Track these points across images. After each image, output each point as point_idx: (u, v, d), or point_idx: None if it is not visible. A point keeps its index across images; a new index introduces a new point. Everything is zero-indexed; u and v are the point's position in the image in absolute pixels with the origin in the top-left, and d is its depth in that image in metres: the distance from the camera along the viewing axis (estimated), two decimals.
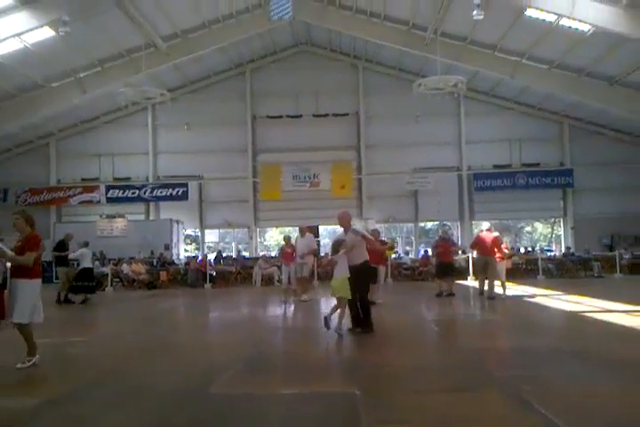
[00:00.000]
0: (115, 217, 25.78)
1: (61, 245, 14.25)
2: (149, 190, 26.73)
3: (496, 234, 13.24)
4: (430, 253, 19.73)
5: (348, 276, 7.93)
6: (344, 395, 4.81)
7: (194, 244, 30.25)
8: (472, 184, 26.32)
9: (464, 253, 20.96)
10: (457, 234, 26.58)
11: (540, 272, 19.84)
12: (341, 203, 25.06)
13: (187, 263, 22.17)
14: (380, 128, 26.51)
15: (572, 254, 23.02)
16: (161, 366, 6.32)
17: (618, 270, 20.32)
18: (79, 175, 27.35)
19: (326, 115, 26.69)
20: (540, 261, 20.32)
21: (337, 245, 8.07)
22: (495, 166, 26.42)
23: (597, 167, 25.49)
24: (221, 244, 29.70)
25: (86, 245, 14.45)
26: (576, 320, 9.48)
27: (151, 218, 27.38)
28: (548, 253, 24.82)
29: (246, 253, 26.80)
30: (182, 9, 20.98)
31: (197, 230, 28.61)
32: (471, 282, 18.07)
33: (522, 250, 25.05)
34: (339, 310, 7.98)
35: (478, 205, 26.64)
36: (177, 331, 9.82)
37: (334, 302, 8.12)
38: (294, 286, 13.16)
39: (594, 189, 25.59)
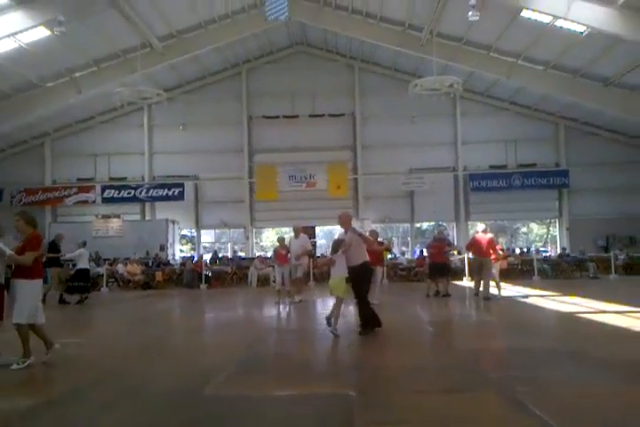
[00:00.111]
0: (110, 217, 25.74)
1: (52, 246, 14.19)
2: (145, 190, 26.67)
3: (490, 235, 13.29)
4: (425, 253, 19.74)
5: (346, 276, 7.95)
6: (339, 396, 4.80)
7: (190, 244, 30.20)
8: (468, 185, 26.36)
9: (459, 253, 20.99)
10: (453, 234, 26.62)
11: (536, 273, 19.86)
12: (337, 203, 25.11)
13: (182, 264, 22.12)
14: (375, 128, 26.53)
15: (568, 255, 23.06)
16: (156, 367, 6.30)
17: (613, 271, 20.36)
18: (74, 175, 27.29)
19: (322, 115, 26.70)
20: (535, 262, 20.33)
21: (337, 245, 8.07)
22: (491, 167, 26.46)
23: (593, 168, 25.56)
24: (217, 244, 29.67)
25: (84, 245, 14.41)
26: (571, 321, 9.48)
27: (147, 218, 27.32)
28: (544, 254, 24.86)
29: (242, 254, 26.77)
30: (178, 9, 20.95)
31: (193, 231, 28.59)
32: (467, 283, 18.09)
33: (517, 251, 25.12)
34: (335, 310, 7.97)
35: (474, 205, 26.68)
36: (172, 332, 9.79)
37: (332, 301, 8.10)
38: (288, 287, 13.12)
39: (589, 189, 25.67)
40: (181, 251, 28.44)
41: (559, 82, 21.93)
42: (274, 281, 17.94)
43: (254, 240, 28.60)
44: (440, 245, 14.13)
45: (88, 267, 14.74)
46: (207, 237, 29.56)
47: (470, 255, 15.33)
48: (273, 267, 15.76)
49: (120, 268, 20.47)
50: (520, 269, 21.31)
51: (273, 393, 4.99)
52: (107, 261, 21.23)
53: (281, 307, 12.57)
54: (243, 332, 9.23)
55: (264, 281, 19.88)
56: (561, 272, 21.19)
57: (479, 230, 13.42)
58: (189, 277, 20.39)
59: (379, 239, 12.92)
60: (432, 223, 28.00)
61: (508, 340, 7.70)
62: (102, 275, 19.45)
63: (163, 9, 20.57)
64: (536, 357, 6.37)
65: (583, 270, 21.33)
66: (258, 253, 25.81)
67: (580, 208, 25.87)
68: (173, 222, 25.91)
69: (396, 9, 21.48)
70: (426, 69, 22.82)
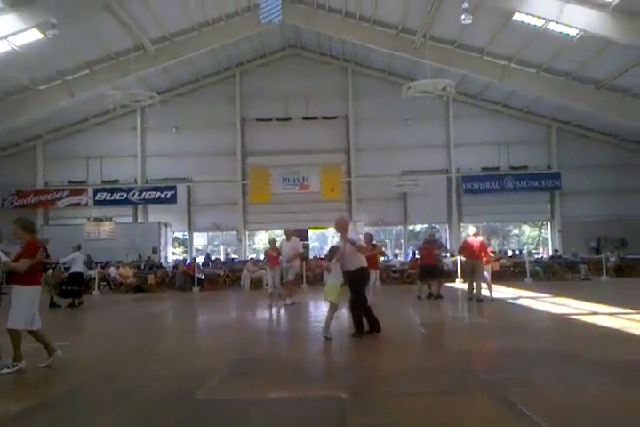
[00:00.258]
0: (102, 220, 25.62)
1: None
2: (137, 193, 26.61)
3: (481, 238, 13.44)
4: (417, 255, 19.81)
5: (341, 282, 8.02)
6: (331, 398, 4.78)
7: (182, 247, 30.11)
8: (461, 187, 26.46)
9: (452, 255, 21.04)
10: (445, 236, 26.68)
11: (528, 275, 19.92)
12: (331, 206, 25.19)
13: (175, 266, 22.06)
14: (369, 131, 26.58)
15: (560, 257, 23.16)
16: (148, 370, 6.27)
17: (604, 273, 20.44)
18: (67, 178, 27.19)
19: (316, 118, 26.73)
20: (527, 264, 20.40)
21: (332, 252, 8.14)
22: (483, 169, 26.56)
23: (584, 170, 25.71)
24: (210, 247, 29.60)
25: (79, 248, 14.30)
26: (563, 323, 9.51)
27: (139, 221, 27.26)
28: (536, 256, 24.95)
29: (235, 256, 26.72)
30: (171, 12, 20.96)
31: (186, 233, 28.51)
32: (459, 284, 18.12)
33: (509, 253, 25.20)
34: (333, 314, 8.00)
35: (467, 207, 26.77)
36: (164, 335, 9.75)
37: (325, 304, 8.11)
38: (279, 290, 13.08)
39: (581, 191, 25.81)
40: (174, 254, 28.36)
41: (551, 85, 22.07)
42: (267, 284, 17.95)
43: (247, 243, 28.57)
44: (430, 247, 14.25)
45: (82, 271, 14.65)
46: (200, 239, 29.51)
47: (462, 258, 15.42)
48: (266, 269, 15.75)
49: (112, 271, 20.39)
50: (512, 271, 21.38)
51: (266, 396, 4.97)
52: (99, 265, 21.13)
53: (273, 309, 12.54)
54: (235, 334, 9.20)
55: (257, 284, 19.85)
56: (553, 274, 21.27)
57: (470, 233, 13.61)
58: (182, 279, 20.33)
59: (372, 242, 12.93)
60: (425, 226, 28.04)
61: (500, 341, 7.72)
62: (94, 278, 19.34)
63: (156, 12, 20.55)
64: (528, 358, 6.38)
65: (575, 272, 21.42)
66: (251, 256, 25.73)
67: (572, 210, 26.00)
68: (166, 225, 25.84)
69: (390, 12, 21.56)
70: (419, 72, 22.91)
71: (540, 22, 18.65)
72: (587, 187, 25.71)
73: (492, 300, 12.92)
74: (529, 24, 18.97)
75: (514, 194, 25.97)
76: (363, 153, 26.71)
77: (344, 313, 9.17)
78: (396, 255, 26.42)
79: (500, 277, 18.86)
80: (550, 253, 25.18)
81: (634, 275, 21.24)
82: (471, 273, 13.18)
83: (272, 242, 13.64)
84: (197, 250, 28.71)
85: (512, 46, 20.89)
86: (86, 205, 26.67)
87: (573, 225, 25.58)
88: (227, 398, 4.89)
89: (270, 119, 26.87)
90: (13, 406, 4.82)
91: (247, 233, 28.29)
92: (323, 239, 32.58)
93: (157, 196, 26.53)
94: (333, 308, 7.97)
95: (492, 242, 28.83)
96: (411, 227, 28.63)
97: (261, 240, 34.15)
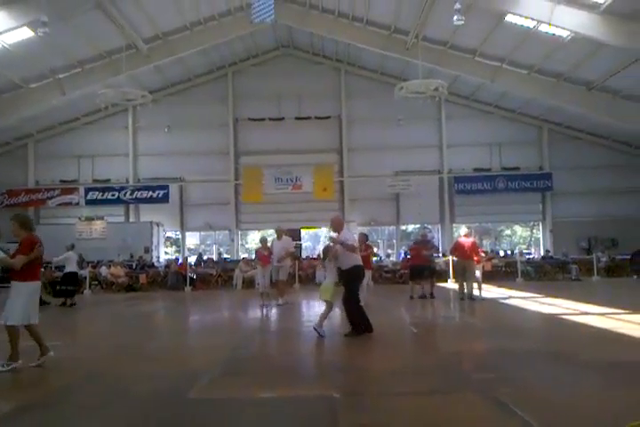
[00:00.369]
0: (94, 219, 25.48)
1: None
2: (129, 192, 26.50)
3: (472, 239, 13.58)
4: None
5: (335, 281, 8.12)
6: (323, 398, 4.79)
7: (174, 246, 30.03)
8: (453, 187, 26.53)
9: (445, 255, 21.09)
10: (438, 237, 26.74)
11: (519, 275, 20.02)
12: (323, 206, 25.20)
13: (167, 266, 22.00)
14: (361, 131, 26.62)
15: (551, 257, 23.29)
16: (138, 370, 6.25)
17: (595, 273, 20.57)
18: (58, 177, 27.03)
19: (308, 118, 26.72)
20: (519, 264, 20.50)
21: (326, 252, 8.35)
22: (475, 170, 26.64)
23: (575, 171, 25.84)
24: (202, 246, 29.52)
25: (72, 248, 14.24)
26: (554, 323, 9.57)
27: (131, 220, 27.15)
28: (527, 256, 25.07)
29: (227, 256, 26.67)
30: (164, 11, 20.88)
31: (178, 233, 28.42)
32: (451, 284, 18.17)
33: (501, 253, 25.30)
34: (328, 312, 8.12)
35: (459, 208, 26.85)
36: (155, 334, 9.73)
37: (316, 304, 8.14)
38: (268, 290, 13.04)
39: (572, 192, 25.93)
40: (166, 253, 28.27)
41: (543, 86, 22.16)
42: (258, 283, 17.93)
43: (240, 242, 28.52)
44: (419, 247, 14.34)
45: (76, 270, 14.58)
46: (192, 239, 29.43)
47: (454, 258, 15.51)
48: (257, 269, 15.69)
49: (103, 270, 20.32)
50: (504, 271, 21.48)
51: (257, 395, 4.97)
52: (90, 264, 21.02)
53: (265, 309, 12.53)
54: (227, 334, 9.20)
55: (249, 283, 19.80)
56: (544, 274, 21.38)
57: (462, 234, 13.73)
58: (174, 279, 20.28)
59: (367, 242, 12.98)
60: (417, 226, 28.09)
61: (491, 341, 7.75)
62: (85, 277, 19.25)
63: (148, 11, 20.47)
64: (519, 358, 6.41)
65: (566, 272, 21.54)
66: (243, 256, 25.70)
67: (563, 211, 26.14)
68: (158, 225, 25.76)
69: (383, 13, 21.59)
70: (411, 73, 22.97)
71: (531, 24, 18.74)
72: (578, 188, 25.85)
73: (483, 299, 13.12)
74: (521, 25, 19.06)
75: (506, 195, 26.07)
76: (355, 153, 26.74)
77: (337, 313, 9.17)
78: (388, 255, 26.45)
79: (491, 277, 18.97)
80: (541, 254, 25.31)
81: (624, 275, 21.41)
82: (463, 273, 13.32)
83: (263, 241, 13.64)
84: (190, 249, 28.64)
85: (504, 47, 20.97)
86: (78, 204, 26.53)
87: (565, 225, 25.72)
88: (219, 398, 4.89)
89: (263, 119, 26.84)
90: (3, 406, 4.80)
91: (240, 233, 28.25)
92: (315, 239, 32.60)
93: (149, 195, 26.44)
94: (329, 306, 8.07)
95: (484, 242, 28.95)
96: (403, 227, 28.68)
97: (254, 240, 34.05)
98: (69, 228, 24.52)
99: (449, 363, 6.28)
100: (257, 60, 27.44)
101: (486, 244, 29.03)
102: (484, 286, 13.71)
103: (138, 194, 26.48)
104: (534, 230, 29.32)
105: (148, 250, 24.25)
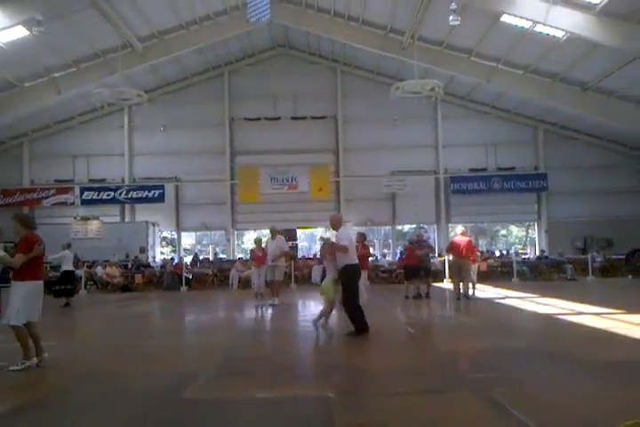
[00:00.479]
0: (89, 219, 25.38)
1: None
2: (125, 192, 26.43)
3: (468, 238, 13.67)
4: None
5: (335, 278, 8.20)
6: (319, 398, 4.79)
7: (170, 246, 29.97)
8: (449, 187, 26.55)
9: (440, 255, 21.12)
10: (434, 237, 26.78)
11: (515, 275, 20.06)
12: (319, 206, 25.22)
13: (162, 266, 21.95)
14: (357, 131, 26.63)
15: (546, 257, 23.34)
16: (134, 370, 6.24)
17: (590, 273, 20.63)
18: (53, 176, 26.93)
19: (304, 117, 26.72)
20: (514, 264, 20.54)
21: (323, 248, 8.69)
22: (471, 170, 26.67)
23: (571, 171, 25.91)
24: (198, 246, 29.48)
25: (68, 247, 14.21)
26: (550, 322, 9.60)
27: (127, 220, 27.08)
28: (523, 256, 25.13)
29: (223, 256, 26.63)
30: (159, 10, 20.82)
31: (174, 233, 28.37)
32: (447, 284, 18.19)
33: (497, 253, 25.33)
34: (334, 309, 8.41)
35: (455, 208, 26.89)
36: (151, 335, 9.70)
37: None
38: (263, 290, 13.00)
39: (567, 192, 26.00)
40: (162, 253, 28.21)
41: (538, 86, 22.21)
42: (254, 283, 17.90)
43: (236, 242, 28.49)
44: (413, 247, 14.41)
45: (73, 269, 14.56)
46: (188, 239, 29.37)
47: (450, 258, 15.56)
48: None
49: (99, 270, 20.26)
50: (500, 271, 21.52)
51: (253, 396, 4.97)
52: (85, 264, 20.96)
53: (261, 309, 12.49)
54: (223, 334, 9.18)
55: (245, 283, 19.77)
56: (539, 274, 21.43)
57: (458, 233, 13.83)
58: (169, 279, 20.23)
59: (364, 242, 13.00)
60: (413, 226, 28.12)
61: (486, 341, 7.76)
62: (81, 277, 19.20)
63: (143, 9, 20.42)
64: (514, 358, 6.43)
65: (561, 272, 21.59)
66: (239, 256, 25.67)
67: (559, 211, 26.20)
68: (154, 224, 25.70)
69: (379, 12, 21.59)
70: (407, 73, 22.96)
71: (527, 24, 18.78)
72: (573, 188, 25.92)
73: (472, 298, 13.29)
74: (516, 26, 19.10)
75: (501, 195, 26.12)
76: (351, 153, 26.74)
77: (334, 313, 9.16)
78: (384, 255, 26.47)
79: (487, 276, 19.03)
80: (537, 254, 25.36)
81: (619, 275, 21.48)
82: (458, 272, 13.36)
83: (257, 241, 13.62)
84: (186, 250, 28.59)
85: (499, 48, 21.01)
86: (73, 203, 26.45)
87: (560, 226, 25.80)
88: (215, 398, 4.88)
89: (259, 119, 26.82)
90: (0, 406, 4.79)
91: (236, 233, 28.21)
92: (311, 239, 32.56)
93: (145, 195, 26.37)
94: (329, 303, 8.24)
95: (480, 242, 28.97)
96: (399, 227, 28.69)
97: (250, 240, 34.05)
98: (65, 228, 24.41)
99: (445, 363, 6.29)
100: (253, 59, 27.41)
101: (482, 244, 29.05)
102: (479, 285, 13.80)
103: (133, 194, 26.41)
104: (530, 230, 29.38)
105: (143, 250, 24.18)
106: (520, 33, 19.35)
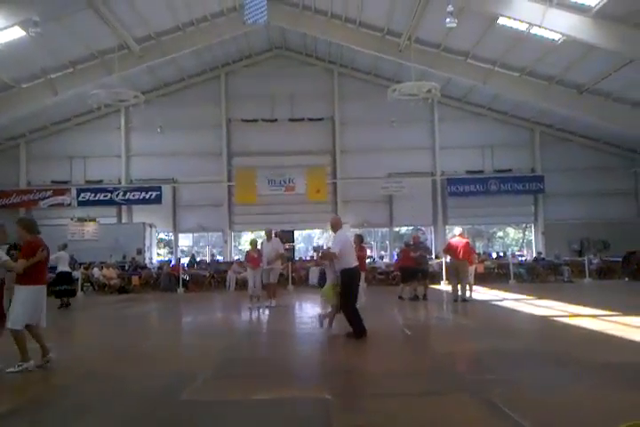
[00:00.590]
0: (86, 220, 25.29)
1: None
2: (122, 193, 26.38)
3: (466, 240, 13.71)
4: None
5: (334, 283, 8.26)
6: (316, 400, 4.79)
7: (167, 248, 29.93)
8: (446, 189, 26.58)
9: (437, 257, 21.13)
10: (431, 239, 26.80)
11: (512, 277, 20.08)
12: (316, 207, 25.24)
13: (159, 267, 21.90)
14: (354, 133, 26.64)
15: (543, 259, 23.36)
16: (131, 371, 6.23)
17: (587, 275, 20.66)
18: (49, 178, 26.85)
19: (301, 119, 26.72)
20: (511, 266, 20.56)
21: (319, 256, 8.71)
22: (468, 172, 26.72)
23: (567, 173, 25.97)
24: (195, 248, 29.44)
25: (65, 247, 14.18)
26: (547, 324, 9.61)
27: (123, 221, 27.01)
28: (520, 258, 25.16)
29: (220, 258, 26.59)
30: (156, 11, 20.78)
31: (171, 234, 28.33)
32: (444, 286, 18.20)
33: (494, 255, 25.36)
34: (332, 313, 8.45)
35: (452, 210, 26.90)
36: (147, 336, 9.68)
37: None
38: (259, 292, 12.97)
39: (564, 194, 26.05)
40: (159, 255, 28.16)
41: (534, 88, 22.24)
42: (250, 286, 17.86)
43: (233, 244, 28.46)
44: (408, 249, 14.45)
45: (69, 270, 14.51)
46: (185, 240, 29.33)
47: (448, 259, 15.59)
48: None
49: (96, 272, 20.21)
50: (497, 273, 21.55)
51: (250, 397, 4.96)
52: (82, 265, 20.90)
53: (257, 311, 12.46)
54: (220, 336, 9.16)
55: (242, 285, 19.71)
56: (536, 276, 21.42)
57: (456, 234, 13.86)
58: (166, 281, 20.20)
59: (362, 244, 13.02)
60: (410, 228, 28.13)
61: (484, 343, 7.77)
62: (77, 279, 19.13)
63: (141, 11, 20.38)
64: (511, 359, 6.44)
65: (558, 274, 21.60)
66: (236, 257, 25.64)
67: (555, 213, 26.26)
68: (151, 226, 25.65)
69: (376, 14, 21.62)
70: (404, 75, 23.01)
71: (523, 26, 18.83)
72: (570, 190, 25.98)
73: (470, 300, 13.31)
74: (513, 28, 19.15)
75: (498, 197, 26.15)
76: (348, 155, 26.75)
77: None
78: (381, 257, 26.47)
79: (484, 278, 19.05)
80: (534, 256, 25.40)
81: (616, 277, 21.52)
82: (456, 274, 13.37)
83: (253, 243, 13.59)
84: (182, 251, 28.55)
85: (496, 50, 21.05)
86: (69, 205, 26.37)
87: (556, 227, 25.84)
88: (212, 400, 4.88)
89: (256, 120, 26.82)
90: (0, 406, 4.76)
91: (233, 234, 28.18)
92: (309, 241, 32.59)
93: (142, 196, 26.32)
94: (335, 308, 8.36)
95: (477, 244, 29.01)
96: (396, 229, 28.70)
97: (247, 242, 34.07)
98: (61, 229, 24.32)
99: (442, 364, 6.29)
100: (250, 60, 27.41)
101: (479, 246, 29.10)
102: (475, 287, 13.81)
103: (130, 195, 26.37)
104: (526, 232, 29.43)
105: (140, 251, 24.11)
106: (516, 35, 19.39)
